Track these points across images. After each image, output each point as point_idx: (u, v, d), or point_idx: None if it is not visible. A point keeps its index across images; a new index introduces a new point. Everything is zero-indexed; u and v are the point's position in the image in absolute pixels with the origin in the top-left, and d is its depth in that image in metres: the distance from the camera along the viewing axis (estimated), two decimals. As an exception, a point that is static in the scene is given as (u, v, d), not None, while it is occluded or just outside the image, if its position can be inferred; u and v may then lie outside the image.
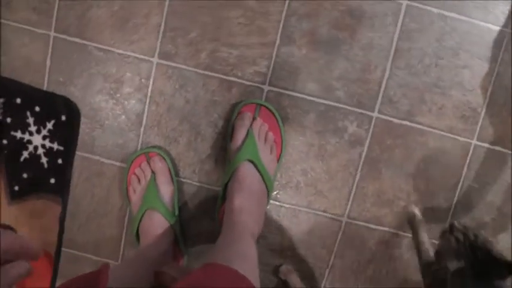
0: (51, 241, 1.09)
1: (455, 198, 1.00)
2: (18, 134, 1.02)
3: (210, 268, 0.64)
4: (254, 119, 0.92)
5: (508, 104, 0.97)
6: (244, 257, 0.71)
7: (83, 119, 1.00)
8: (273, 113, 0.92)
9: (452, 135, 0.97)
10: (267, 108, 0.92)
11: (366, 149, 0.97)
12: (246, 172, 0.89)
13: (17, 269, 0.42)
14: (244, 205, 0.87)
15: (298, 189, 0.99)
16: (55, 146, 1.02)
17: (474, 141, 0.98)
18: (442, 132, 0.97)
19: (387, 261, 1.03)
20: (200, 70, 0.95)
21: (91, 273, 0.69)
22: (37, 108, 1.01)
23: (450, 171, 0.99)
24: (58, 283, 1.08)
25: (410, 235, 1.00)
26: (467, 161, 0.98)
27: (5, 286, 0.41)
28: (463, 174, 0.99)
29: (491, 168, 0.99)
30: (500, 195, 1.00)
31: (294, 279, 0.97)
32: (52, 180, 1.04)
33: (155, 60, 0.95)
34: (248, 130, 0.91)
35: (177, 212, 0.98)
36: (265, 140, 0.92)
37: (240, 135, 0.91)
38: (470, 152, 0.98)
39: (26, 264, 0.43)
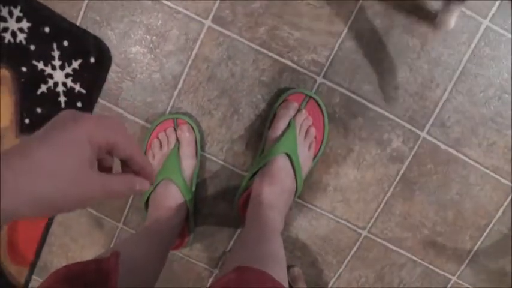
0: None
1: (481, 240, 0.98)
2: (40, 65, 0.97)
3: (244, 272, 0.61)
4: (299, 110, 0.88)
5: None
6: (276, 259, 0.68)
7: (113, 67, 0.95)
8: (320, 108, 0.89)
9: (495, 175, 0.95)
10: (315, 101, 0.88)
11: (405, 167, 0.94)
12: (281, 166, 0.86)
13: (141, 183, 0.45)
14: (275, 201, 0.84)
15: (325, 192, 0.96)
16: (77, 87, 0.97)
17: (515, 186, 0.96)
18: (486, 170, 0.95)
19: (396, 284, 1.02)
20: (254, 45, 0.90)
21: (97, 261, 0.63)
22: (65, 43, 0.96)
23: (484, 210, 0.97)
24: (52, 229, 1.04)
25: (426, 264, 0.99)
26: (504, 204, 0.96)
27: (123, 193, 0.43)
28: (496, 217, 0.97)
29: (525, 218, 0.97)
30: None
31: (301, 286, 0.95)
32: (66, 123, 0.99)
33: (208, 22, 0.90)
34: (290, 121, 0.87)
35: (194, 189, 0.94)
36: (306, 135, 0.88)
37: (281, 124, 0.88)
38: (510, 197, 0.96)
39: (148, 183, 0.46)
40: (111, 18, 0.92)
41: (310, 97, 0.89)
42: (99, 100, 0.97)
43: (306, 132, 0.89)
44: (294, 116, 0.88)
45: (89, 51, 0.96)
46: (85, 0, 0.92)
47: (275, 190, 0.84)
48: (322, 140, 0.91)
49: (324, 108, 0.89)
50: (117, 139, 0.42)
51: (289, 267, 0.98)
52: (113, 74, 0.95)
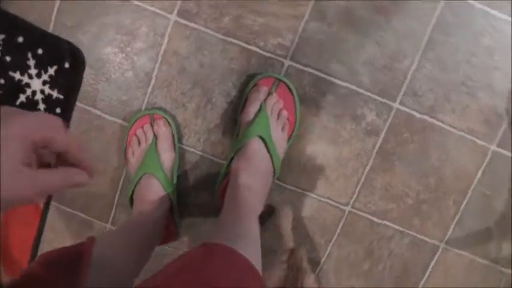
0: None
1: (465, 202, 1.00)
2: (17, 75, 1.00)
3: (209, 248, 0.64)
4: (270, 93, 0.91)
5: (535, 113, 0.97)
6: (249, 239, 0.71)
7: (87, 69, 0.98)
8: (290, 90, 0.91)
9: (471, 137, 0.97)
10: (285, 84, 0.91)
11: (381, 139, 0.97)
12: (255, 149, 0.89)
13: (78, 175, 0.45)
14: (251, 183, 0.87)
15: (305, 172, 0.99)
16: (55, 93, 1.01)
17: (493, 147, 0.98)
18: (462, 133, 0.97)
19: (386, 257, 1.05)
20: (220, 35, 0.93)
21: (74, 246, 0.68)
22: (40, 51, 0.99)
23: (464, 173, 0.99)
24: (44, 236, 1.08)
25: (413, 233, 1.02)
26: (483, 165, 0.99)
27: (59, 187, 0.43)
28: (477, 178, 1.00)
29: (506, 177, 0.99)
30: (510, 206, 1.01)
31: (305, 266, 0.98)
32: (47, 130, 1.02)
33: (173, 17, 0.93)
34: (261, 104, 0.90)
35: (175, 181, 0.97)
36: (278, 117, 0.91)
37: (252, 108, 0.90)
38: (488, 157, 0.98)
39: (84, 175, 0.46)
40: (82, 21, 0.95)
41: (280, 80, 0.91)
42: (77, 104, 1.00)
43: (278, 115, 0.91)
44: (265, 99, 0.91)
45: (63, 56, 0.99)
46: (56, 1, 0.94)
47: (251, 172, 0.86)
48: (295, 121, 0.93)
49: (294, 90, 0.92)
50: (52, 134, 0.43)
51: (293, 249, 1.01)
52: (88, 77, 0.98)
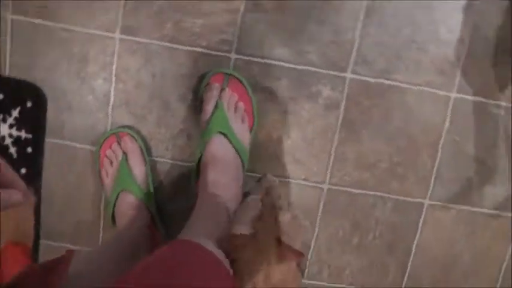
0: (28, 233, 1.12)
1: (439, 154, 1.02)
2: (-16, 125, 1.04)
3: (176, 244, 0.67)
4: (222, 89, 0.94)
5: (487, 54, 0.98)
6: (216, 233, 0.73)
7: (49, 104, 1.01)
8: (242, 82, 0.94)
9: (431, 90, 1.00)
10: (235, 77, 0.94)
11: (342, 111, 0.99)
12: (219, 145, 0.92)
13: (10, 194, 0.46)
14: (219, 179, 0.89)
15: (275, 159, 1.02)
16: (23, 134, 1.04)
17: (454, 94, 1.00)
18: (421, 88, 0.99)
19: (373, 226, 1.07)
20: (165, 43, 0.96)
21: (53, 260, 0.71)
22: (1, 96, 1.03)
23: (431, 126, 1.02)
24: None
25: (394, 196, 1.04)
26: (448, 114, 1.01)
27: None
28: (445, 128, 1.02)
29: (473, 121, 1.01)
30: (483, 147, 1.03)
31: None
32: (23, 170, 1.06)
33: (117, 35, 0.97)
34: (217, 101, 0.93)
35: (152, 192, 1.00)
36: (235, 110, 0.94)
37: (209, 107, 0.93)
38: (451, 105, 1.01)
39: (19, 194, 0.47)
40: (35, 58, 0.99)
41: (229, 74, 0.94)
42: (46, 139, 1.04)
43: (235, 108, 0.94)
44: (219, 96, 0.94)
45: (24, 96, 1.03)
46: (7, 46, 0.98)
47: (218, 168, 0.89)
48: (253, 111, 0.96)
49: (244, 81, 0.95)
50: None
51: (268, 187, 0.98)
52: (51, 111, 1.02)
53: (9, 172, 0.48)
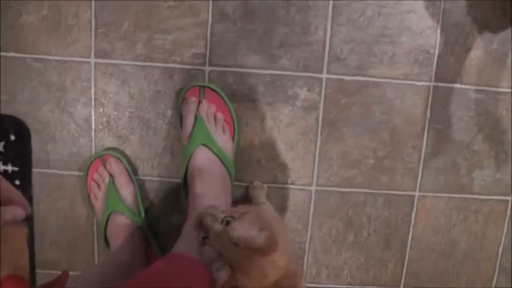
0: (23, 265, 1.13)
1: (424, 144, 1.05)
2: (-30, 162, 1.07)
3: (170, 258, 0.69)
4: (200, 102, 0.97)
5: (460, 39, 1.01)
6: None
7: (33, 135, 1.05)
8: (217, 93, 0.97)
9: (409, 82, 1.02)
10: (210, 88, 0.97)
11: (321, 112, 1.02)
12: (203, 157, 0.94)
13: (12, 211, 0.48)
14: (207, 190, 0.92)
15: (260, 165, 1.04)
16: (9, 167, 1.07)
17: (432, 83, 1.03)
18: (398, 81, 1.02)
19: (366, 222, 1.09)
20: (139, 62, 1.00)
21: (49, 282, 0.74)
22: (-16, 133, 1.06)
23: (413, 117, 1.04)
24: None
25: (384, 191, 1.06)
26: (429, 103, 1.03)
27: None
28: (427, 118, 1.04)
29: (454, 107, 1.04)
30: (467, 133, 1.05)
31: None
32: (14, 203, 1.09)
33: (92, 60, 1.00)
34: (196, 114, 0.96)
35: (142, 211, 1.03)
36: (215, 121, 0.97)
37: (188, 121, 0.96)
38: (430, 94, 1.03)
39: (21, 210, 0.49)
40: (15, 91, 1.02)
41: (204, 86, 0.97)
42: (33, 170, 1.07)
43: (214, 119, 0.97)
44: (197, 109, 0.97)
45: (7, 130, 1.07)
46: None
47: (205, 180, 0.92)
48: (233, 120, 0.99)
49: (220, 91, 0.98)
50: None
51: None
52: (35, 142, 1.05)
53: (8, 187, 0.50)
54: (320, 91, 1.00)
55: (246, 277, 0.66)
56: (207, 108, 0.97)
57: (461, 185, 1.08)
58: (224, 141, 0.97)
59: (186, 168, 0.96)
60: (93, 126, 1.03)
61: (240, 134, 1.01)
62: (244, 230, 0.65)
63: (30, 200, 1.08)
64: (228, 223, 0.67)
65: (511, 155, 1.07)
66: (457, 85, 1.03)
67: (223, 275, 0.64)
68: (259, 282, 0.67)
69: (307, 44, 0.99)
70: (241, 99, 1.00)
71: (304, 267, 1.11)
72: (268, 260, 0.65)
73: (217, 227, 0.67)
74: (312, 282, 1.13)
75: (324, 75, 1.00)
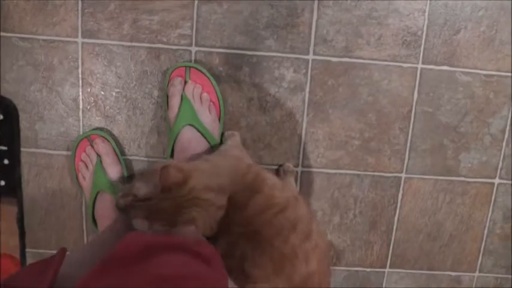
0: (14, 244, 1.22)
1: (411, 126, 1.11)
2: (-42, 142, 1.14)
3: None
4: (186, 82, 1.03)
5: (449, 21, 1.06)
6: None
7: (21, 114, 1.11)
8: (203, 73, 1.03)
9: (396, 63, 1.08)
10: (196, 69, 1.03)
11: (307, 93, 1.08)
12: (189, 137, 1.01)
13: None
14: None
15: (246, 146, 1.10)
16: (-2, 146, 1.14)
17: (420, 65, 1.08)
18: (385, 62, 1.08)
19: (352, 204, 1.15)
20: (126, 42, 1.06)
21: (46, 259, 0.80)
22: (-28, 112, 1.12)
23: (400, 99, 1.10)
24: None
25: (370, 173, 1.12)
26: (416, 85, 1.09)
27: None
28: (414, 99, 1.10)
29: (441, 89, 1.09)
30: (454, 115, 1.11)
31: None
32: (2, 183, 1.16)
33: (79, 40, 1.06)
34: (182, 95, 1.02)
35: (129, 191, 1.09)
36: (201, 101, 1.03)
37: (174, 101, 1.03)
38: (418, 76, 1.09)
39: None
40: (1, 71, 1.08)
41: (190, 67, 1.03)
42: (22, 149, 1.14)
43: (200, 99, 1.03)
44: (183, 89, 1.03)
45: (-4, 109, 1.13)
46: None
47: (191, 160, 0.98)
48: (219, 100, 1.05)
49: (206, 72, 1.04)
50: None
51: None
52: (24, 121, 1.12)
53: None
54: (306, 72, 1.06)
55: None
56: (193, 89, 1.03)
57: (448, 167, 1.14)
58: (210, 121, 1.03)
59: (173, 148, 1.02)
60: (81, 106, 1.09)
61: (226, 115, 1.07)
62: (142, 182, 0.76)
63: (19, 179, 1.15)
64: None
65: (497, 138, 1.12)
66: (444, 67, 1.09)
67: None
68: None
69: (294, 26, 1.04)
70: (227, 80, 1.06)
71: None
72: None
73: (127, 199, 0.76)
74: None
75: (310, 57, 1.06)
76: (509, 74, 1.10)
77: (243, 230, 0.81)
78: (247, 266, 0.80)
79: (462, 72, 1.08)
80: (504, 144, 1.14)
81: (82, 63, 1.07)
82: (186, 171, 0.76)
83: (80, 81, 1.08)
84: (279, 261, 0.80)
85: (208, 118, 1.03)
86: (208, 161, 0.88)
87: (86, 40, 1.06)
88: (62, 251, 0.78)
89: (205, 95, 1.04)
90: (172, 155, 1.04)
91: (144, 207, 0.75)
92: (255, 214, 0.81)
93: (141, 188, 0.76)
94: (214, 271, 0.72)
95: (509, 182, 1.16)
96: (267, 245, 0.80)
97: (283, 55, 1.05)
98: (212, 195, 0.78)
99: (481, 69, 1.09)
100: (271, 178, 0.86)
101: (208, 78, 1.04)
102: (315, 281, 0.81)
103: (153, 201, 0.75)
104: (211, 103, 1.04)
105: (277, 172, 1.10)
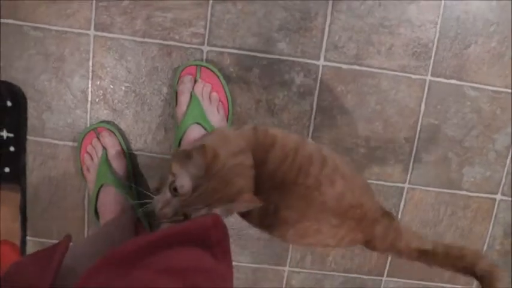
0: (15, 231, 1.26)
1: (417, 137, 1.14)
2: (-34, 127, 1.17)
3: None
4: (196, 81, 1.06)
5: (459, 35, 1.10)
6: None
7: (29, 103, 1.14)
8: (214, 73, 1.07)
9: (405, 74, 1.11)
10: (207, 68, 1.06)
11: (316, 98, 1.11)
12: (196, 135, 1.04)
13: None
14: None
15: (252, 147, 1.14)
16: (4, 133, 1.18)
17: (429, 77, 1.12)
18: (395, 72, 1.11)
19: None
20: (138, 38, 1.09)
21: (50, 247, 0.83)
22: (-20, 97, 1.16)
23: (407, 110, 1.13)
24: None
25: (374, 181, 1.16)
26: (424, 97, 1.13)
27: None
28: (421, 111, 1.13)
29: (449, 103, 1.13)
30: (460, 129, 1.14)
31: None
32: (7, 169, 1.20)
33: (92, 32, 1.10)
34: (191, 93, 1.05)
35: (133, 185, 1.13)
36: (210, 100, 1.06)
37: (183, 99, 1.06)
38: (426, 88, 1.12)
39: None
40: (11, 60, 1.11)
41: (201, 66, 1.07)
42: (28, 138, 1.17)
43: (209, 98, 1.07)
44: (193, 87, 1.06)
45: (3, 96, 1.16)
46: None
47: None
48: (227, 100, 1.09)
49: (216, 71, 1.07)
50: None
51: None
52: (31, 110, 1.15)
53: None
54: (316, 78, 1.10)
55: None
56: (203, 88, 1.06)
57: (451, 180, 1.17)
58: (218, 120, 1.07)
59: (179, 145, 1.06)
60: (89, 98, 1.13)
61: (234, 115, 1.11)
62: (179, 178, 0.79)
63: (23, 167, 1.18)
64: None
65: (502, 154, 1.16)
66: (453, 81, 1.12)
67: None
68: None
69: (306, 30, 1.08)
70: (237, 80, 1.09)
71: (289, 252, 1.21)
72: None
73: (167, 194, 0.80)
74: (296, 267, 1.23)
75: (321, 62, 1.09)
76: (517, 91, 1.12)
77: (270, 184, 0.86)
78: (282, 213, 0.86)
79: (470, 86, 1.12)
80: (508, 160, 1.17)
81: (93, 56, 1.10)
82: (209, 146, 0.79)
83: (90, 74, 1.11)
84: (307, 195, 0.86)
85: (216, 117, 1.06)
86: (211, 135, 0.91)
87: (98, 33, 1.09)
88: (67, 239, 0.81)
89: (214, 94, 1.07)
90: (178, 152, 1.07)
91: (199, 196, 0.78)
92: (276, 166, 0.86)
93: (184, 182, 0.78)
94: (220, 263, 0.76)
95: (511, 198, 1.18)
96: (292, 186, 0.85)
97: (294, 59, 1.09)
98: (242, 158, 0.83)
99: (489, 85, 1.12)
100: (276, 130, 0.92)
101: (219, 78, 1.07)
102: (347, 198, 0.87)
103: (202, 186, 0.78)
104: (220, 103, 1.08)
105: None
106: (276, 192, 0.85)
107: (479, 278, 0.85)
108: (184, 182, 0.78)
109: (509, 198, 1.19)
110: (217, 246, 0.75)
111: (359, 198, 0.88)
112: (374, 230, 0.89)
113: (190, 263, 0.71)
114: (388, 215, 0.91)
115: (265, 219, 0.86)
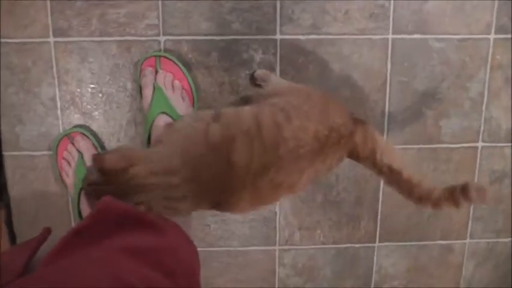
0: (5, 247, 1.35)
1: (387, 97, 1.21)
2: None
3: None
4: (156, 72, 1.15)
5: (415, -10, 1.17)
6: None
7: (1, 118, 1.24)
8: (173, 61, 1.15)
9: (365, 36, 1.18)
10: (166, 58, 1.15)
11: (278, 73, 1.19)
12: (163, 124, 1.13)
13: None
14: None
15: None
16: (-20, 152, 1.27)
17: (390, 36, 1.19)
18: (355, 36, 1.18)
19: (334, 182, 1.26)
20: (96, 38, 1.18)
21: (30, 239, 0.92)
22: (-45, 120, 1.25)
23: (374, 72, 1.20)
24: None
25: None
26: (389, 56, 1.19)
27: None
28: (388, 71, 1.20)
29: (415, 58, 1.20)
30: (431, 82, 1.21)
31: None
32: (-12, 187, 1.29)
33: (51, 39, 1.19)
34: (154, 84, 1.14)
35: (112, 185, 1.22)
36: (173, 89, 1.15)
37: (147, 92, 1.15)
38: (390, 47, 1.19)
39: None
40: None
41: (160, 56, 1.15)
42: (4, 153, 1.26)
43: (172, 87, 1.15)
44: (155, 78, 1.15)
45: (-24, 116, 1.26)
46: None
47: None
48: (191, 87, 1.17)
49: (176, 60, 1.16)
50: None
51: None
52: (3, 125, 1.24)
53: None
54: (275, 52, 1.18)
55: None
56: (164, 77, 1.15)
57: (430, 135, 1.24)
58: (184, 108, 1.15)
59: (149, 137, 1.14)
60: (59, 105, 1.22)
61: (200, 101, 1.19)
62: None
63: (4, 184, 1.28)
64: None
65: (477, 102, 1.22)
66: (416, 35, 1.19)
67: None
68: None
69: (258, 7, 1.16)
70: (197, 66, 1.18)
71: (277, 231, 1.29)
72: None
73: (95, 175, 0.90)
74: (285, 245, 1.30)
75: (278, 36, 1.17)
76: (483, 36, 1.18)
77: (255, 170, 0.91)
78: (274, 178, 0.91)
79: (435, 38, 1.19)
80: (484, 107, 1.23)
81: (56, 63, 1.20)
82: (129, 159, 0.89)
83: (56, 81, 1.21)
84: (294, 157, 0.90)
85: (181, 105, 1.15)
86: (162, 142, 1.00)
87: (57, 39, 1.18)
88: (45, 231, 0.90)
89: (176, 82, 1.15)
90: (149, 143, 1.15)
91: (97, 190, 0.89)
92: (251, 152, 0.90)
93: (92, 173, 0.90)
94: (184, 243, 0.84)
95: (492, 144, 1.24)
96: (278, 161, 0.90)
97: (251, 37, 1.16)
98: (157, 179, 0.90)
99: (454, 34, 1.18)
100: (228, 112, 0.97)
101: (179, 66, 1.15)
102: (310, 129, 0.90)
103: (99, 186, 0.88)
104: (184, 90, 1.16)
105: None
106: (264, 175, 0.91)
107: (441, 202, 0.90)
108: (91, 170, 0.92)
109: (491, 144, 1.24)
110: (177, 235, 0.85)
111: (326, 123, 0.91)
112: (354, 140, 0.94)
113: (159, 242, 0.80)
114: (359, 122, 0.96)
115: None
